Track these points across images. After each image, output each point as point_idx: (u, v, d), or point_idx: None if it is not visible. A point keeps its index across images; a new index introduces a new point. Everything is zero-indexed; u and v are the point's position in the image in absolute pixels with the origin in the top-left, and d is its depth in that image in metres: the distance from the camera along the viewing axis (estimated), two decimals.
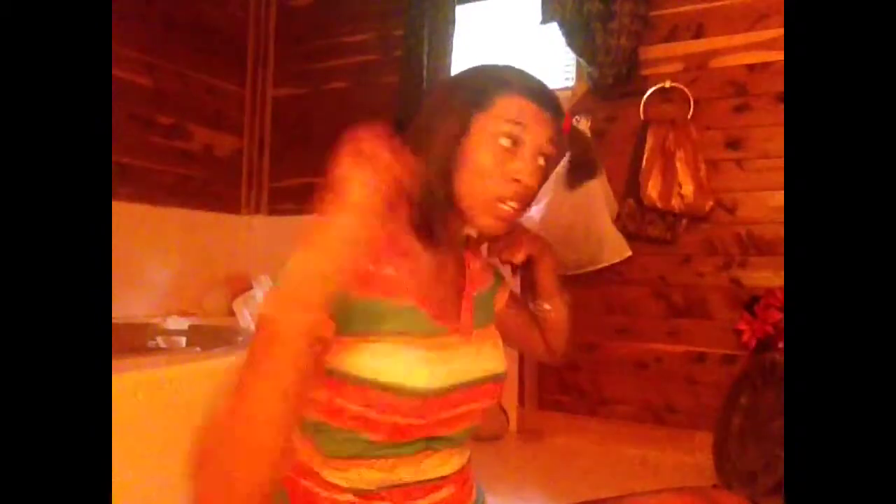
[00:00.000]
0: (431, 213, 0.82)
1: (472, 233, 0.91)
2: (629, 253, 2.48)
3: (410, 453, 0.80)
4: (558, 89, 2.74)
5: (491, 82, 0.82)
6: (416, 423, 0.77)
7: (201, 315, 2.70)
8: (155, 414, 1.42)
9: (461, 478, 0.88)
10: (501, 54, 2.96)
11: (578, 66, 2.66)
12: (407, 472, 0.80)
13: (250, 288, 2.62)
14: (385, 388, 0.74)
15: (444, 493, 0.84)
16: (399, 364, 0.76)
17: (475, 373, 0.84)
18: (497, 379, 0.87)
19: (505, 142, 0.79)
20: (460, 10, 2.83)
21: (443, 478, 0.84)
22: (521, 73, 0.86)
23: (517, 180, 0.80)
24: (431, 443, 0.81)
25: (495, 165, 0.79)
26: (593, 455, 2.45)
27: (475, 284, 0.92)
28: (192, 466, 0.62)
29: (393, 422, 0.76)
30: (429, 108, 0.85)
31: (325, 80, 3.22)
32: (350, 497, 0.80)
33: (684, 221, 2.45)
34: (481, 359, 0.86)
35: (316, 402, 0.78)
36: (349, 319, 0.73)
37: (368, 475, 0.79)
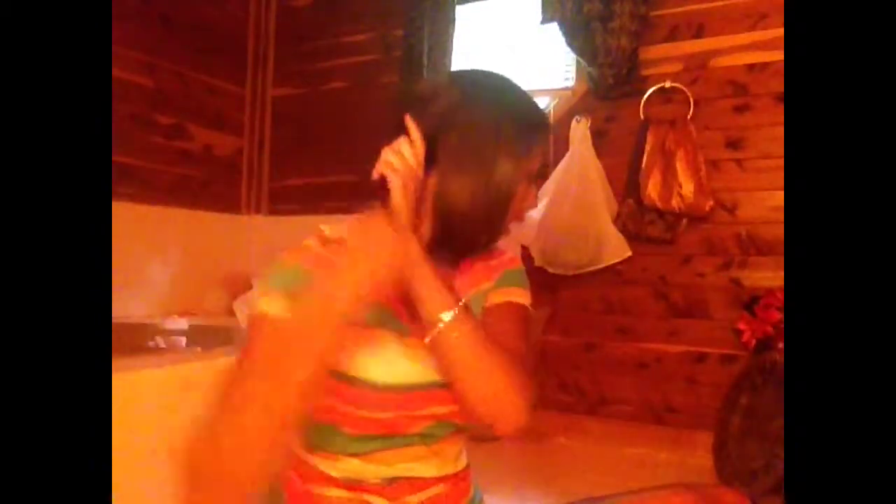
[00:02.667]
0: (462, 234, 0.85)
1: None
2: (629, 253, 2.48)
3: (389, 448, 0.82)
4: (558, 89, 2.74)
5: (532, 130, 0.85)
6: (380, 416, 0.80)
7: (201, 315, 2.70)
8: (155, 414, 1.42)
9: (455, 477, 0.88)
10: (501, 54, 2.97)
11: (578, 66, 2.66)
12: (390, 468, 0.83)
13: (250, 288, 2.62)
14: (345, 379, 0.78)
15: (435, 490, 0.85)
16: (364, 358, 0.79)
17: (426, 377, 0.82)
18: (447, 386, 0.83)
19: (534, 181, 0.88)
20: (460, 10, 2.83)
21: (436, 477, 0.85)
22: (542, 111, 0.90)
23: (530, 208, 0.89)
24: (406, 439, 0.83)
25: (524, 201, 0.87)
26: (593, 455, 2.45)
27: (465, 288, 0.91)
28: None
29: (359, 415, 0.80)
30: (473, 137, 0.82)
31: (325, 80, 3.22)
32: (341, 492, 0.82)
33: (684, 221, 2.45)
34: None
35: None
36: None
37: (357, 467, 0.82)
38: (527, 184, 0.85)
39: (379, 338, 0.81)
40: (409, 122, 0.79)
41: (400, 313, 0.84)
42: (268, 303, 0.76)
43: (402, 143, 0.78)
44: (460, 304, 0.78)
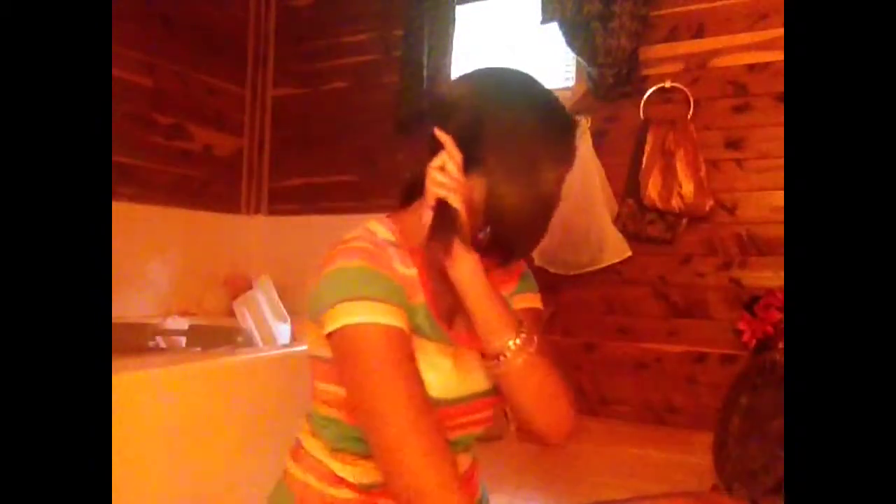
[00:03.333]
0: (515, 239, 0.84)
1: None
2: (629, 253, 2.48)
3: None
4: (558, 89, 2.74)
5: (569, 131, 0.85)
6: None
7: (201, 315, 2.70)
8: (155, 414, 1.42)
9: (465, 477, 0.88)
10: (501, 54, 2.96)
11: (578, 66, 2.66)
12: None
13: (250, 288, 2.62)
14: None
15: None
16: (423, 369, 0.77)
17: (475, 387, 0.83)
18: (485, 395, 0.84)
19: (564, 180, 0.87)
20: (460, 10, 2.83)
21: None
22: (567, 110, 0.87)
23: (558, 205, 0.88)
24: None
25: (558, 200, 0.86)
26: (593, 455, 2.45)
27: None
28: None
29: None
30: (525, 154, 0.80)
31: (325, 80, 3.22)
32: (353, 494, 0.81)
33: (684, 221, 2.45)
34: (483, 371, 0.84)
35: (331, 396, 0.79)
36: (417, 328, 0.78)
37: (373, 472, 0.80)
38: (560, 187, 0.85)
39: (433, 349, 0.79)
40: (442, 136, 0.77)
41: (438, 318, 0.82)
42: (368, 311, 0.72)
43: (444, 160, 0.76)
44: (524, 327, 0.79)
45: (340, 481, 0.82)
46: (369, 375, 0.71)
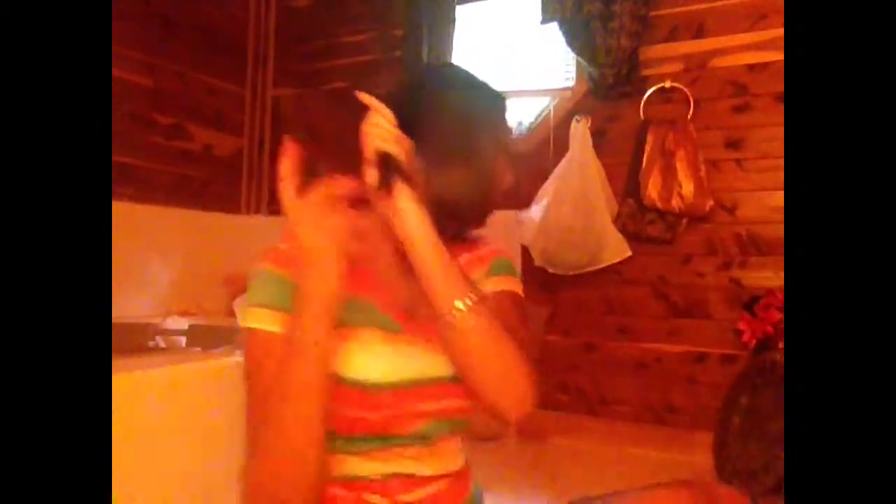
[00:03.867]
0: (455, 215, 0.87)
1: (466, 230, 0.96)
2: (629, 253, 2.48)
3: (386, 448, 0.82)
4: (558, 89, 2.74)
5: (496, 101, 0.92)
6: (368, 416, 0.79)
7: (201, 315, 2.70)
8: (155, 414, 1.42)
9: (454, 476, 0.88)
10: (501, 54, 2.97)
11: (578, 66, 2.66)
12: (386, 464, 0.82)
13: None
14: (333, 380, 0.78)
15: (434, 487, 0.85)
16: (349, 355, 0.79)
17: (428, 372, 0.83)
18: (454, 380, 0.83)
19: (508, 156, 0.92)
20: (460, 10, 2.83)
21: (434, 476, 0.85)
22: (498, 91, 0.95)
23: (509, 182, 0.92)
24: (402, 440, 0.82)
25: (504, 175, 0.91)
26: (593, 455, 2.45)
27: None
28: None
29: (350, 416, 0.79)
30: (453, 130, 0.87)
31: (325, 80, 3.22)
32: (339, 491, 0.82)
33: (684, 221, 2.45)
34: (440, 358, 0.83)
35: None
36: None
37: (355, 466, 0.82)
38: (504, 159, 0.90)
39: (367, 337, 0.82)
40: (364, 96, 0.77)
41: (391, 310, 0.84)
42: (255, 317, 0.80)
43: (375, 117, 0.76)
44: (476, 290, 0.78)
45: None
46: (247, 377, 0.80)
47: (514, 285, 0.93)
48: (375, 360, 0.81)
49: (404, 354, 0.82)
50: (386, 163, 0.75)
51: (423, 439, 0.84)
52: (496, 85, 0.92)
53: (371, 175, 0.75)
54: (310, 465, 0.75)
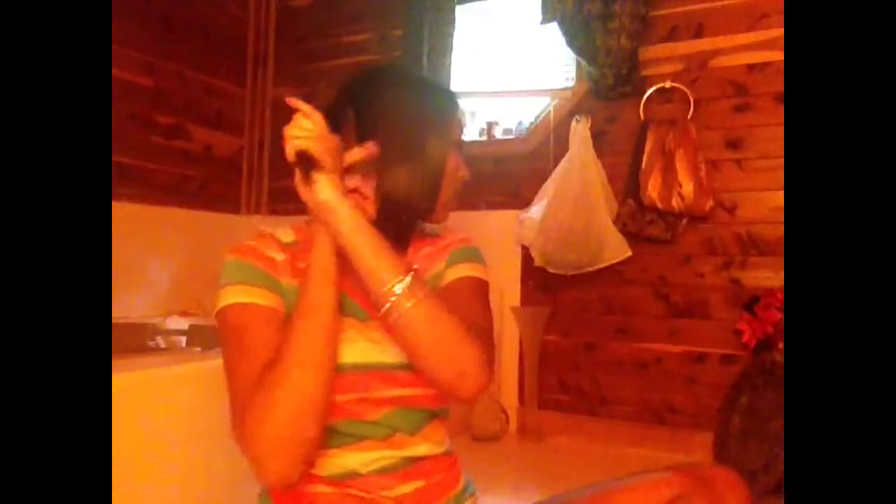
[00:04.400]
0: (404, 215, 0.92)
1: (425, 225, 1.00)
2: (629, 253, 2.48)
3: (357, 440, 0.83)
4: (558, 89, 2.74)
5: (447, 99, 0.96)
6: (338, 398, 0.81)
7: (201, 315, 2.70)
8: (155, 414, 1.42)
9: (435, 471, 0.89)
10: (501, 54, 2.97)
11: (578, 66, 2.66)
12: (365, 458, 0.84)
13: None
14: None
15: (417, 483, 0.86)
16: None
17: (390, 359, 0.84)
18: (408, 368, 0.84)
19: (460, 150, 0.96)
20: (460, 10, 2.83)
21: (413, 471, 0.86)
22: (450, 89, 1.03)
23: (463, 177, 0.96)
24: (375, 429, 0.84)
25: (457, 170, 0.95)
26: (593, 455, 2.45)
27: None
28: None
29: None
30: (403, 125, 0.91)
31: (325, 81, 3.21)
32: (326, 488, 0.83)
33: (684, 221, 2.45)
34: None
35: None
36: (288, 304, 0.84)
37: (338, 461, 0.83)
38: (455, 153, 0.93)
39: (340, 323, 0.83)
40: (292, 100, 0.82)
41: (360, 300, 0.86)
42: (232, 294, 0.82)
43: (299, 119, 0.81)
44: (412, 271, 0.80)
45: (312, 478, 0.83)
46: (223, 347, 0.82)
47: (474, 270, 0.95)
48: (345, 345, 0.83)
49: (371, 340, 0.85)
50: (304, 158, 0.80)
51: (397, 430, 0.85)
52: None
53: (297, 174, 0.81)
54: (322, 387, 0.77)
